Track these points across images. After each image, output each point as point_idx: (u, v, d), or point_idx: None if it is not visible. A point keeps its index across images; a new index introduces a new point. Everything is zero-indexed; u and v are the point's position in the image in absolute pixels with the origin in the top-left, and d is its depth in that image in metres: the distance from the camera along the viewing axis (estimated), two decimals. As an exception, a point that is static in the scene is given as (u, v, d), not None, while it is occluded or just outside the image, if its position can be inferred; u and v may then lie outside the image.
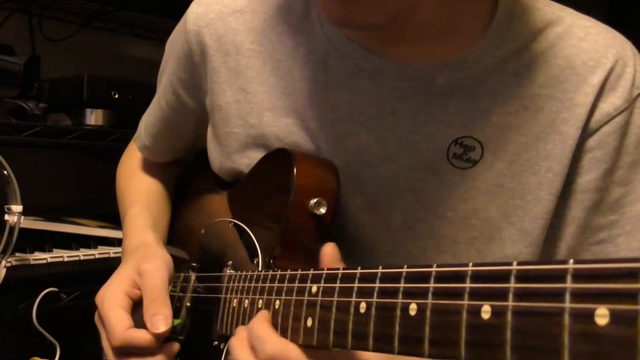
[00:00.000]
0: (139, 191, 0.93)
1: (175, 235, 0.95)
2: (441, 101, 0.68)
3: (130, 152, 1.01)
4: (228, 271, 0.74)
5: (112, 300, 0.72)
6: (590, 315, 0.33)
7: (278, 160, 0.73)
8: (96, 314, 0.75)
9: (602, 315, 0.32)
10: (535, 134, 0.68)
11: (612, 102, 0.68)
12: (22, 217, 1.16)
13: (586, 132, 0.68)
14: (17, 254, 1.28)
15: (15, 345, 1.54)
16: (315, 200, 0.68)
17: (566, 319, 0.34)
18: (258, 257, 0.71)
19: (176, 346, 0.73)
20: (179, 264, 0.89)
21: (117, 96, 1.55)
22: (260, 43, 0.75)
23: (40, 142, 1.52)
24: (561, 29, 0.69)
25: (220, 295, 0.74)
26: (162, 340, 0.71)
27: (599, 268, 0.33)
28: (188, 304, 0.82)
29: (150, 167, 0.97)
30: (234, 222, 0.78)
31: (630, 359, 0.31)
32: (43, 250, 1.35)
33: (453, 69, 0.68)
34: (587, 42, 0.69)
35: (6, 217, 1.16)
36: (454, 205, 0.70)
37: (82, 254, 1.40)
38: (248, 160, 0.77)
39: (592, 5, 0.73)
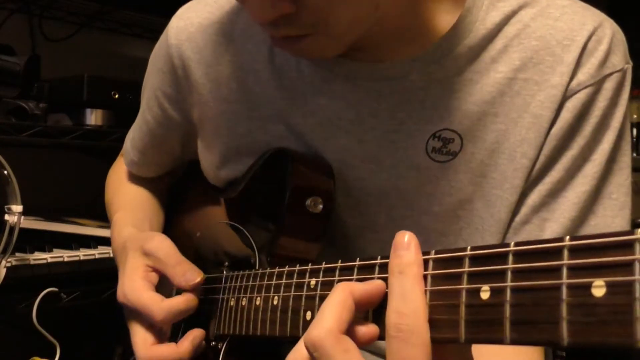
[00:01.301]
0: (124, 199, 0.93)
1: (173, 239, 0.94)
2: (417, 97, 0.68)
3: (117, 168, 1.00)
4: (225, 272, 0.74)
5: (136, 289, 0.72)
6: (587, 287, 0.33)
7: (275, 160, 0.73)
8: (126, 312, 0.75)
9: (598, 287, 0.33)
10: (512, 120, 0.67)
11: (578, 77, 0.66)
12: (22, 217, 1.16)
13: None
14: (17, 254, 1.28)
15: (15, 345, 1.54)
16: (311, 198, 0.68)
17: (564, 292, 0.34)
18: (255, 256, 0.71)
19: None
20: None
21: (117, 96, 1.55)
22: (241, 54, 0.75)
23: (40, 142, 1.52)
24: (536, 9, 0.68)
25: (217, 296, 0.74)
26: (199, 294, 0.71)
27: (595, 242, 0.34)
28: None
29: (138, 178, 0.97)
30: (230, 224, 0.78)
31: (627, 327, 0.31)
32: (43, 250, 1.35)
33: (425, 63, 0.67)
34: (563, 21, 0.67)
35: (6, 217, 1.16)
36: (439, 199, 0.69)
37: (82, 254, 1.40)
38: (242, 167, 0.77)
39: (591, 4, 0.72)
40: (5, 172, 1.15)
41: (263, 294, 0.62)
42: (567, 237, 0.35)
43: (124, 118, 1.51)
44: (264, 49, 0.74)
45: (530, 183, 0.68)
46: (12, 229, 1.16)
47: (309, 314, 0.54)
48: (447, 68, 0.67)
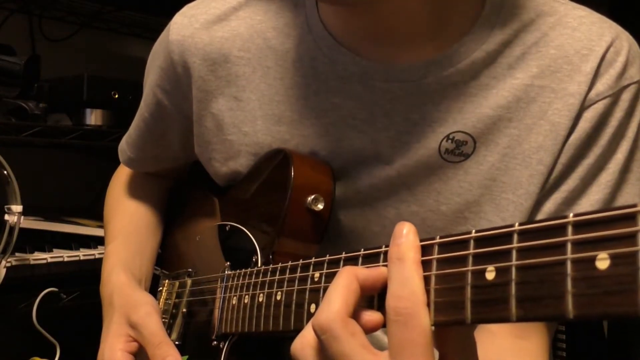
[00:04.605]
0: (121, 224, 0.93)
1: (171, 244, 0.95)
2: (432, 100, 0.68)
3: (118, 176, 1.00)
4: (226, 272, 0.74)
5: None
6: (591, 261, 0.34)
7: (275, 160, 0.73)
8: None
9: (602, 260, 0.33)
10: (527, 126, 0.68)
11: (597, 87, 0.67)
12: (22, 217, 1.16)
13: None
14: (17, 254, 1.28)
15: (15, 345, 1.54)
16: (312, 197, 0.69)
17: (568, 267, 0.35)
18: (257, 255, 0.71)
19: None
20: (173, 274, 0.90)
21: (117, 96, 1.55)
22: (248, 50, 0.75)
23: (40, 142, 1.52)
24: (554, 19, 0.68)
25: (218, 296, 0.74)
26: None
27: (598, 217, 0.34)
28: (184, 310, 0.82)
29: (138, 185, 0.96)
30: (231, 224, 0.79)
31: (632, 296, 0.32)
32: (43, 250, 1.35)
33: (441, 67, 0.67)
34: (581, 31, 0.67)
35: (6, 217, 1.16)
36: (447, 198, 0.70)
37: (82, 254, 1.40)
38: (242, 168, 0.77)
39: (592, 4, 0.73)
40: (5, 172, 1.15)
41: (266, 290, 0.62)
42: (571, 214, 0.36)
43: (124, 118, 1.51)
44: (276, 45, 0.73)
45: (546, 191, 0.69)
46: (12, 229, 1.16)
47: (313, 307, 0.54)
48: (463, 72, 0.67)
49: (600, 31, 0.68)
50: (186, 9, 0.79)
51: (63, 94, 1.54)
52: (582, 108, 0.67)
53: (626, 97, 0.67)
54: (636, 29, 0.76)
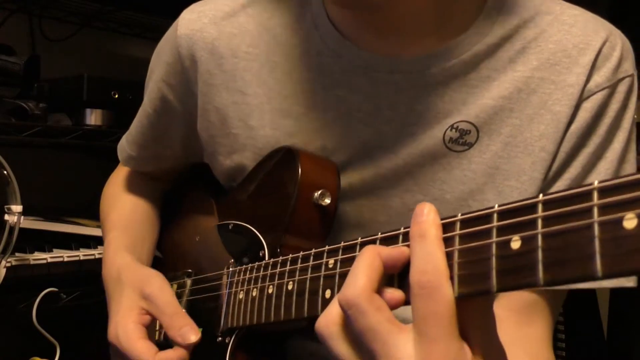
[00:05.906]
0: (119, 215, 0.92)
1: (168, 247, 0.94)
2: (435, 90, 0.70)
3: (115, 176, 1.00)
4: (231, 268, 0.74)
5: (128, 335, 0.73)
6: (618, 222, 0.34)
7: (279, 157, 0.74)
8: (112, 351, 0.76)
9: (630, 219, 0.34)
10: (528, 116, 0.70)
11: (595, 79, 0.70)
12: (22, 217, 1.16)
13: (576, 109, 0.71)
14: (17, 254, 1.28)
15: (15, 345, 1.54)
16: (319, 192, 0.70)
17: (596, 229, 0.35)
18: (264, 250, 0.71)
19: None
20: (170, 276, 0.89)
21: (117, 96, 1.55)
22: (257, 45, 0.76)
23: (40, 142, 1.53)
24: (551, 16, 0.72)
25: (222, 292, 0.74)
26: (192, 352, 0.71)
27: (623, 181, 0.35)
28: (184, 310, 0.82)
29: (135, 184, 0.96)
30: (234, 223, 0.79)
31: None
32: (43, 250, 1.35)
33: (444, 58, 0.70)
34: (577, 27, 0.71)
35: (6, 217, 1.16)
36: (451, 187, 0.72)
37: (82, 254, 1.40)
38: (247, 161, 0.78)
39: (592, 2, 0.75)
40: (5, 172, 1.15)
41: (276, 282, 0.63)
42: (596, 181, 0.36)
43: (124, 118, 1.52)
44: (284, 41, 0.75)
45: (550, 179, 0.71)
46: (12, 229, 1.16)
47: (328, 292, 0.55)
48: (465, 63, 0.70)
49: (595, 27, 0.71)
50: (194, 7, 0.80)
51: (63, 94, 1.54)
52: (582, 99, 0.70)
53: (622, 89, 0.71)
54: (636, 28, 0.78)
